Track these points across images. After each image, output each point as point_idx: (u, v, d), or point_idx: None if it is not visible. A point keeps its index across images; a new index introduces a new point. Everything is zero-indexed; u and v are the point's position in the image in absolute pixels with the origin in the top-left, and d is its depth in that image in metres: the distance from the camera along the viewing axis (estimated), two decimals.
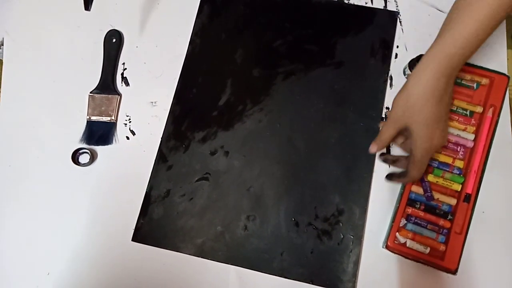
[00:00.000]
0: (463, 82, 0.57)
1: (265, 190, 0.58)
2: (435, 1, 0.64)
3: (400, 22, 0.64)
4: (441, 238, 0.53)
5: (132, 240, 0.57)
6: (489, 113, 0.56)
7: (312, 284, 0.54)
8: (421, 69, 0.47)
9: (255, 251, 0.55)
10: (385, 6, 0.65)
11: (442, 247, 0.52)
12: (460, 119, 0.56)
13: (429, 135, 0.47)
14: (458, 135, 0.56)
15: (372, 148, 0.53)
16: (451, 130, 0.56)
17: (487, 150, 0.54)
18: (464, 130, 0.56)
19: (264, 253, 0.55)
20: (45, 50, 0.67)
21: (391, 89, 0.61)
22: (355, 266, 0.54)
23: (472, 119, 0.56)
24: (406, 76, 0.61)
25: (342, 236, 0.55)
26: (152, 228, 0.57)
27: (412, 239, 0.53)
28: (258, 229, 0.56)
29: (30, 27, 0.68)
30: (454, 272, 0.51)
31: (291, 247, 0.55)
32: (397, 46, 0.63)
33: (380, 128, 0.54)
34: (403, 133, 0.52)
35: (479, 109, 0.56)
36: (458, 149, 0.56)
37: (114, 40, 0.65)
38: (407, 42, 0.63)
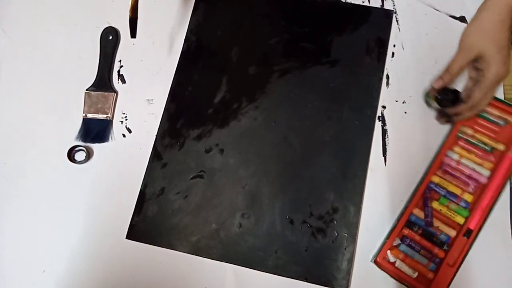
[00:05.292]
0: (491, 117, 0.56)
1: (260, 188, 0.58)
2: (432, 0, 0.64)
3: (397, 21, 0.64)
4: (432, 266, 0.51)
5: (127, 237, 0.57)
6: (511, 153, 0.53)
7: (307, 281, 0.54)
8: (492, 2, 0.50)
9: (250, 249, 0.55)
10: (382, 5, 0.65)
11: (431, 275, 0.51)
12: (479, 152, 0.54)
13: (503, 59, 0.49)
14: (473, 169, 0.54)
15: (437, 83, 0.54)
16: (467, 162, 0.54)
17: (500, 190, 0.52)
18: (480, 165, 0.54)
19: (259, 251, 0.55)
20: (41, 47, 0.67)
21: (387, 87, 0.61)
22: (349, 264, 0.54)
23: (492, 156, 0.54)
24: (425, 100, 0.59)
25: (336, 234, 0.55)
26: (146, 225, 0.57)
27: (402, 261, 0.52)
28: (253, 227, 0.56)
29: (26, 24, 0.68)
30: None
31: (285, 245, 0.55)
32: (394, 45, 0.63)
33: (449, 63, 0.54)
34: (473, 65, 0.53)
35: (501, 147, 0.54)
36: (470, 183, 0.54)
37: (110, 37, 0.65)
38: (404, 41, 0.63)
